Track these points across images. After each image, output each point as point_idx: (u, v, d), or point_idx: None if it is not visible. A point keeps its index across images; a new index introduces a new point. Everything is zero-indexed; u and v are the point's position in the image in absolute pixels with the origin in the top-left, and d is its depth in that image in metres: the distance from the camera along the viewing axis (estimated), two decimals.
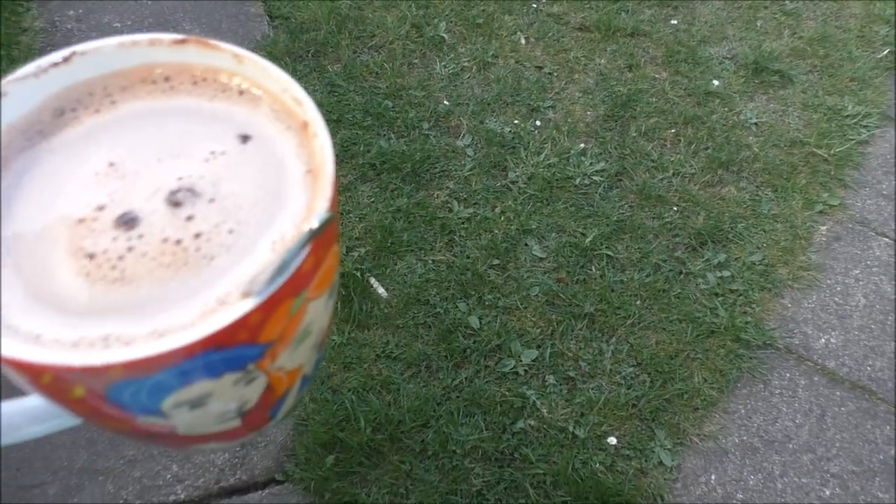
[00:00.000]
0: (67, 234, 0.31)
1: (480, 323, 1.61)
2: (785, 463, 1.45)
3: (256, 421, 0.35)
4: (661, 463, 1.43)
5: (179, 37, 0.36)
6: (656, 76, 2.25)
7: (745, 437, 1.48)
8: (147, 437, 0.33)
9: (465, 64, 2.23)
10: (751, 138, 2.06)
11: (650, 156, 1.99)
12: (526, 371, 1.55)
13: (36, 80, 0.35)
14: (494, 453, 1.43)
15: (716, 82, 2.22)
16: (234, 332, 0.27)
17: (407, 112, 2.06)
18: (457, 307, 1.63)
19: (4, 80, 0.34)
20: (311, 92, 2.08)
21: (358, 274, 1.66)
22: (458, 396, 1.50)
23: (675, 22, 2.44)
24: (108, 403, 0.28)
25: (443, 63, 2.22)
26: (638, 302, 1.67)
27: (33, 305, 0.29)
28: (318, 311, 0.32)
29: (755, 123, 2.10)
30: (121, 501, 1.36)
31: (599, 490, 1.37)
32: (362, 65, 2.19)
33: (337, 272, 0.34)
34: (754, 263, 1.75)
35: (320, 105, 2.00)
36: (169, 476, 1.39)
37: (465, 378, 1.53)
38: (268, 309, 0.28)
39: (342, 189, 1.85)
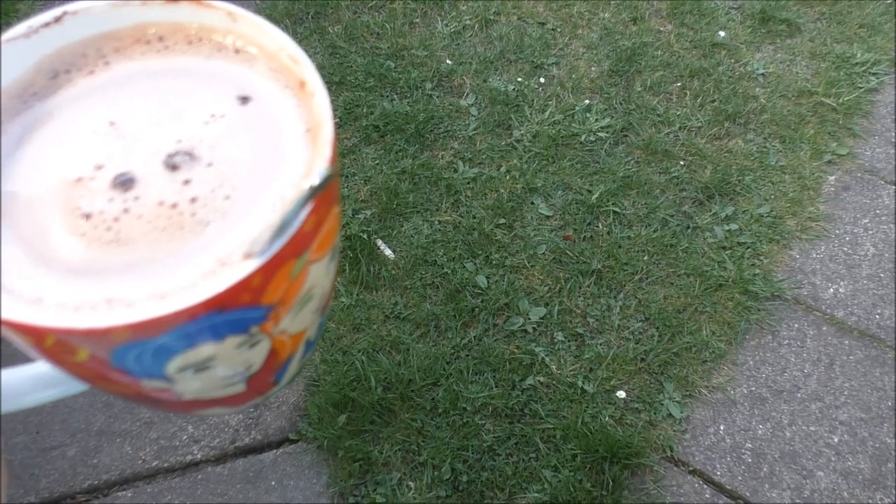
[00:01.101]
0: (65, 193, 0.31)
1: (488, 282, 1.61)
2: (793, 412, 1.46)
3: (261, 385, 0.35)
4: (669, 415, 1.44)
5: None
6: (661, 29, 2.22)
7: (753, 388, 1.49)
8: (152, 402, 0.33)
9: (467, 22, 2.21)
10: (758, 89, 2.04)
11: (656, 110, 1.97)
12: (534, 328, 1.55)
13: (27, 41, 0.34)
14: (504, 409, 1.45)
15: (722, 33, 2.19)
16: (236, 294, 0.27)
17: (409, 72, 2.04)
18: (464, 267, 1.63)
19: None
20: (313, 54, 2.07)
21: (365, 236, 1.66)
22: (467, 355, 1.51)
23: None
24: (112, 367, 0.28)
25: (444, 22, 2.20)
26: (645, 257, 1.66)
27: (32, 267, 0.29)
28: (319, 275, 0.32)
29: (762, 74, 2.08)
30: (139, 462, 1.38)
31: (609, 443, 1.38)
32: (363, 25, 2.17)
33: (338, 234, 0.34)
34: (762, 216, 1.74)
35: (322, 67, 1.99)
36: (185, 437, 1.42)
37: (474, 337, 1.54)
38: (269, 270, 0.28)
39: (346, 152, 1.85)
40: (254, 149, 0.32)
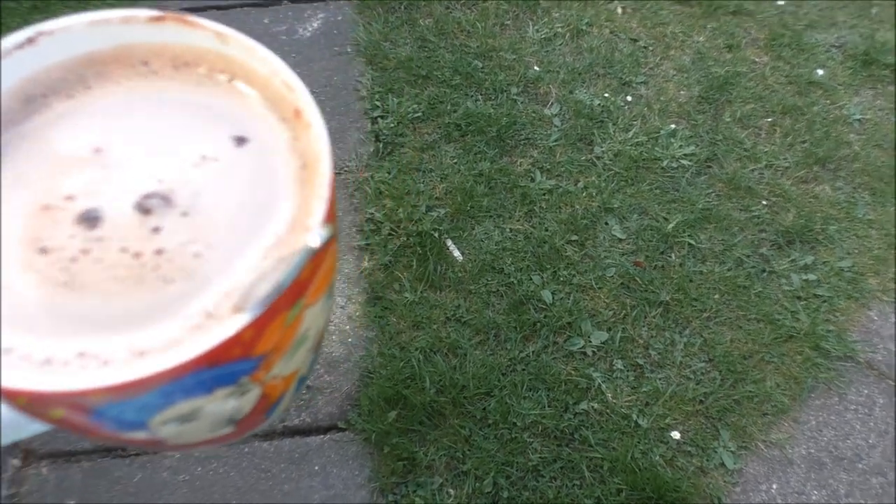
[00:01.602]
0: (29, 221, 0.28)
1: (553, 298, 1.59)
2: (852, 483, 1.41)
3: (250, 425, 0.33)
4: (722, 464, 1.41)
5: (156, 13, 0.32)
6: (756, 59, 2.16)
7: (812, 450, 1.45)
8: (134, 446, 0.31)
9: (559, 29, 2.17)
10: (852, 135, 1.97)
11: (743, 144, 1.92)
12: (594, 352, 1.53)
13: (7, 61, 0.31)
14: (554, 431, 1.43)
15: (820, 71, 2.12)
16: (226, 350, 0.25)
17: (496, 74, 2.02)
18: (531, 279, 1.61)
19: None
20: (402, 45, 2.06)
21: (436, 235, 1.65)
22: (523, 369, 1.50)
23: (783, 3, 2.32)
24: (91, 422, 0.27)
25: (536, 27, 2.17)
26: (716, 296, 1.62)
27: None
28: (315, 316, 0.30)
29: (858, 120, 2.00)
30: None
31: (657, 483, 1.36)
32: (454, 21, 2.15)
33: (335, 271, 0.31)
34: (843, 269, 1.69)
35: (409, 59, 1.98)
36: None
37: (533, 352, 1.52)
38: (262, 323, 0.26)
39: (426, 147, 1.83)
40: (242, 199, 0.29)
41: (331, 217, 0.28)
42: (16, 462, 1.36)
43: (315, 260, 0.27)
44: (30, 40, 0.32)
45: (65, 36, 0.32)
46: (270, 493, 1.35)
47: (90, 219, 0.28)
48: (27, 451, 1.37)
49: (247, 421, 0.32)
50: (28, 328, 0.26)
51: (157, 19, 0.32)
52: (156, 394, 0.25)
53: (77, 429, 0.28)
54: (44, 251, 0.28)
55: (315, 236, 0.26)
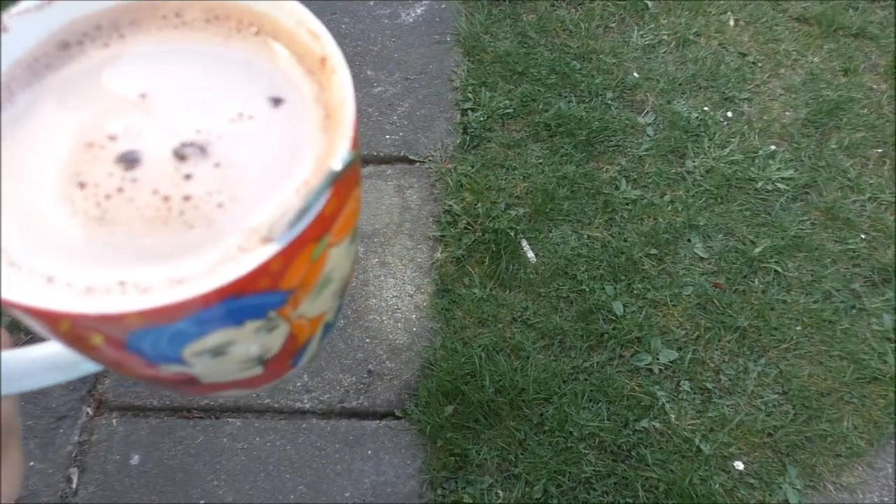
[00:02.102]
0: (71, 156, 0.29)
1: (624, 310, 1.55)
2: None
3: (278, 369, 0.34)
4: (786, 501, 1.35)
5: None
6: (874, 86, 2.04)
7: (886, 499, 1.36)
8: (167, 384, 0.32)
9: (664, 37, 2.11)
10: None
11: (847, 173, 1.82)
12: (661, 371, 1.49)
13: (39, 14, 0.33)
14: (611, 445, 1.40)
15: None
16: (255, 279, 0.26)
17: (593, 77, 1.98)
18: (603, 289, 1.58)
19: (6, 15, 0.32)
20: (502, 39, 2.05)
21: (511, 233, 1.64)
22: (585, 379, 1.47)
23: None
24: (127, 351, 0.28)
25: (640, 32, 2.12)
26: (798, 327, 1.55)
27: (31, 235, 0.28)
28: (339, 258, 0.31)
29: None
30: (253, 396, 1.44)
31: None
32: (557, 20, 2.13)
33: (358, 217, 0.32)
34: None
35: (508, 54, 1.97)
36: (300, 384, 1.46)
37: (597, 363, 1.49)
38: (289, 255, 0.27)
39: (513, 144, 1.82)
40: (271, 155, 0.30)
41: (355, 156, 0.29)
42: (89, 410, 1.44)
43: (336, 194, 0.28)
44: None
45: None
46: (323, 472, 1.37)
47: (129, 160, 0.29)
48: (100, 401, 1.45)
49: (275, 362, 0.33)
50: (67, 258, 0.27)
51: None
52: (189, 321, 0.26)
53: (114, 361, 0.30)
54: (82, 185, 0.29)
55: (338, 160, 0.27)
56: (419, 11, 2.16)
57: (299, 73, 0.32)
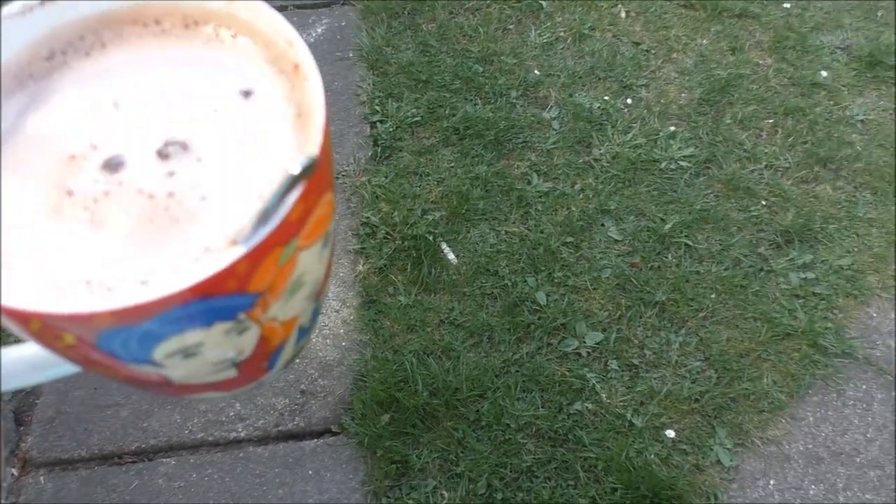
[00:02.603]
0: (57, 169, 0.31)
1: (547, 299, 1.59)
2: (850, 476, 1.39)
3: (253, 371, 0.35)
4: (718, 461, 1.40)
5: None
6: (760, 62, 2.15)
7: (810, 446, 1.43)
8: (142, 385, 0.33)
9: (561, 34, 2.18)
10: (854, 136, 1.95)
11: (743, 145, 1.91)
12: (588, 353, 1.53)
13: (22, 20, 0.34)
14: (548, 432, 1.43)
15: (824, 73, 2.10)
16: (221, 281, 0.27)
17: (496, 78, 2.03)
18: (525, 281, 1.62)
19: None
20: (404, 50, 2.08)
21: (430, 237, 1.66)
22: (517, 371, 1.50)
23: (789, 6, 2.31)
24: (99, 351, 0.28)
25: (538, 31, 2.18)
26: (713, 295, 1.61)
27: (11, 239, 0.29)
28: (310, 261, 0.32)
29: (861, 120, 1.99)
30: (186, 431, 1.42)
31: (652, 481, 1.35)
32: (457, 26, 2.17)
33: (331, 222, 0.33)
34: (842, 267, 1.67)
35: (411, 64, 2.00)
36: (232, 413, 1.45)
37: (527, 353, 1.52)
38: (255, 258, 0.27)
39: (424, 151, 1.85)
40: (248, 146, 0.31)
41: (323, 162, 0.30)
42: (14, 471, 1.39)
43: (303, 199, 0.28)
44: None
45: None
46: (265, 498, 1.36)
47: (114, 164, 0.31)
48: (25, 460, 1.40)
49: (249, 365, 0.34)
50: (44, 258, 0.28)
51: None
52: (157, 321, 0.27)
53: (88, 361, 0.30)
54: (69, 193, 0.30)
55: (296, 164, 0.28)
56: (320, 31, 2.17)
57: (272, 72, 0.33)
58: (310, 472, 1.39)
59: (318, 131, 0.30)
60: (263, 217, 0.27)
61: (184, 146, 0.31)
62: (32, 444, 1.41)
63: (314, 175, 0.29)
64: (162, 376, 0.31)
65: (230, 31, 0.35)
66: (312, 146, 0.29)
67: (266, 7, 0.34)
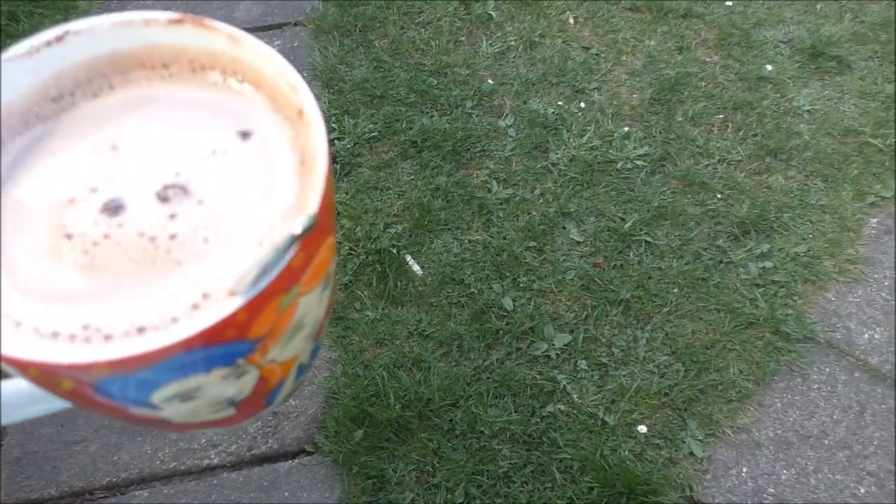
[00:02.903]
0: (56, 212, 0.31)
1: (514, 305, 1.60)
2: (820, 459, 1.42)
3: (251, 408, 0.35)
4: (691, 453, 1.41)
5: (175, 16, 0.35)
6: (707, 59, 2.20)
7: (779, 431, 1.45)
8: (141, 423, 0.33)
9: (512, 43, 2.21)
10: (802, 126, 2.00)
11: (696, 141, 1.95)
12: (558, 355, 1.54)
13: (29, 61, 0.34)
14: (522, 436, 1.43)
15: (769, 67, 2.16)
16: (220, 331, 0.27)
17: (451, 90, 2.05)
18: (491, 288, 1.63)
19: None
20: (358, 67, 2.09)
21: (394, 251, 1.67)
22: (488, 377, 1.51)
23: (731, 3, 2.36)
24: (97, 395, 0.28)
25: (489, 41, 2.20)
26: (675, 290, 1.64)
27: (11, 287, 0.29)
28: (310, 305, 0.32)
29: (808, 110, 2.04)
30: (157, 462, 1.40)
31: (627, 478, 1.36)
32: (409, 41, 2.19)
33: (332, 264, 0.33)
34: (799, 255, 1.71)
35: (365, 81, 2.01)
36: (204, 441, 1.43)
37: (497, 359, 1.53)
38: (255, 307, 0.27)
39: (383, 165, 1.86)
40: (249, 187, 0.31)
41: (325, 209, 0.30)
42: None
43: (304, 248, 0.28)
44: (58, 38, 0.34)
45: (90, 36, 0.34)
46: None
47: (114, 207, 0.31)
48: None
49: (248, 403, 0.34)
50: (41, 303, 0.28)
51: (176, 22, 0.35)
52: (155, 369, 0.27)
53: (88, 403, 0.30)
54: (69, 237, 0.30)
55: (297, 224, 0.28)
56: None
57: (277, 118, 0.33)
58: (286, 494, 1.37)
59: (321, 178, 0.30)
60: (263, 272, 0.27)
61: (184, 189, 0.31)
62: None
63: (315, 227, 0.29)
64: (160, 417, 0.31)
65: (236, 77, 0.35)
66: (315, 193, 0.29)
67: (270, 51, 0.34)
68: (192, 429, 0.36)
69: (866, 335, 1.59)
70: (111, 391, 0.28)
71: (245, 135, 0.33)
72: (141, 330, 0.27)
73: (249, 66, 0.35)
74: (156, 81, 0.35)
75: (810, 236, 1.75)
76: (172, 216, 0.30)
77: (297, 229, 0.28)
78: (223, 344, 0.28)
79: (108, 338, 0.27)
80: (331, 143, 1.92)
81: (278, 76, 0.34)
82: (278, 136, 0.33)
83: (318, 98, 2.01)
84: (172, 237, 0.30)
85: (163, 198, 0.31)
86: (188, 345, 0.26)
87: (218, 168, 0.32)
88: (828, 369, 1.53)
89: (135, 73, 0.35)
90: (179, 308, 0.28)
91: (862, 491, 1.39)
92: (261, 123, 0.34)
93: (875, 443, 1.44)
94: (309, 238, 0.29)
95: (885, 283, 1.68)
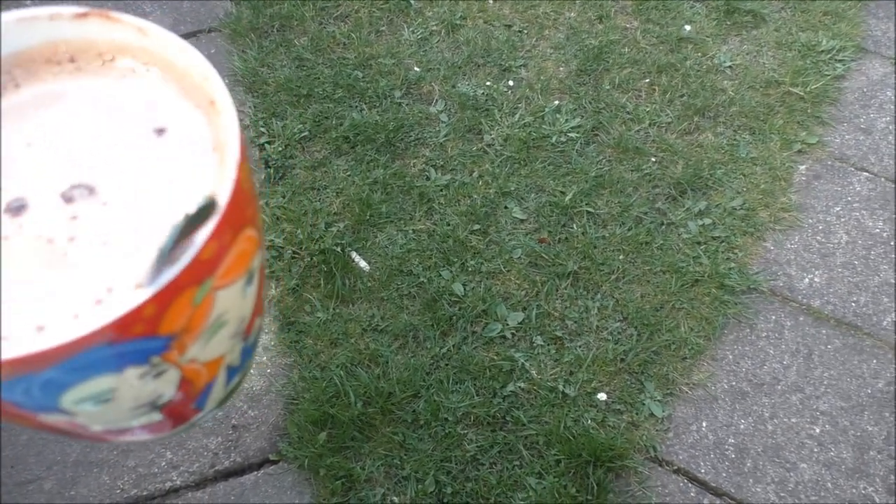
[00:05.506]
0: None
1: (465, 289, 1.60)
2: (774, 405, 1.46)
3: (181, 413, 0.34)
4: (651, 415, 1.44)
5: (80, 10, 0.34)
6: (627, 25, 2.22)
7: (733, 383, 1.49)
8: (58, 432, 0.32)
9: (434, 28, 2.19)
10: (726, 82, 2.04)
11: (625, 108, 1.97)
12: (513, 334, 1.55)
13: None
14: (486, 418, 1.44)
15: (687, 27, 2.19)
16: (126, 325, 0.26)
17: (377, 81, 2.03)
18: (440, 275, 1.62)
19: None
20: (280, 68, 2.05)
21: (339, 249, 1.65)
22: (446, 364, 1.50)
23: None
24: (3, 401, 0.27)
25: (411, 28, 2.19)
26: (621, 256, 1.66)
27: None
28: (232, 300, 0.31)
29: (729, 66, 2.08)
30: (118, 491, 1.36)
31: (592, 446, 1.38)
32: (329, 36, 2.15)
33: (256, 258, 0.32)
34: (735, 209, 1.75)
35: (289, 81, 1.97)
36: (164, 463, 1.40)
37: (453, 345, 1.53)
38: (163, 299, 0.26)
39: (317, 164, 1.83)
40: (161, 185, 0.30)
41: (239, 197, 0.29)
42: None
43: (216, 237, 0.27)
44: None
45: None
46: None
47: (16, 208, 0.30)
48: None
49: (174, 408, 0.32)
50: None
51: (82, 16, 0.33)
52: (58, 369, 0.26)
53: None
54: None
55: (192, 205, 0.27)
56: None
57: (189, 106, 0.33)
58: None
59: (233, 167, 0.29)
60: (161, 258, 0.26)
61: (90, 189, 0.30)
62: None
63: (226, 213, 0.28)
64: (75, 423, 0.30)
65: (146, 66, 0.34)
66: (229, 181, 0.29)
67: (180, 41, 0.34)
68: (118, 437, 0.34)
69: (806, 280, 1.64)
70: (15, 396, 0.27)
71: (160, 131, 0.33)
72: (41, 329, 0.26)
73: (159, 56, 0.34)
74: (62, 76, 0.34)
75: (744, 189, 1.79)
76: (74, 217, 0.30)
77: (192, 209, 0.27)
78: (132, 340, 0.27)
79: (5, 339, 0.26)
80: (261, 147, 1.88)
81: (189, 66, 0.34)
82: (192, 129, 0.33)
83: (242, 103, 1.97)
84: (71, 239, 0.29)
85: (67, 198, 0.30)
86: (92, 339, 0.25)
87: (129, 167, 0.31)
88: (773, 317, 1.58)
89: (41, 69, 0.34)
90: (82, 304, 0.27)
91: (817, 431, 1.43)
92: (174, 116, 0.33)
93: (825, 383, 1.49)
94: (220, 227, 0.28)
95: (819, 227, 1.73)
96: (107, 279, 0.27)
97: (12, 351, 0.24)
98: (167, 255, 0.26)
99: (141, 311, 0.26)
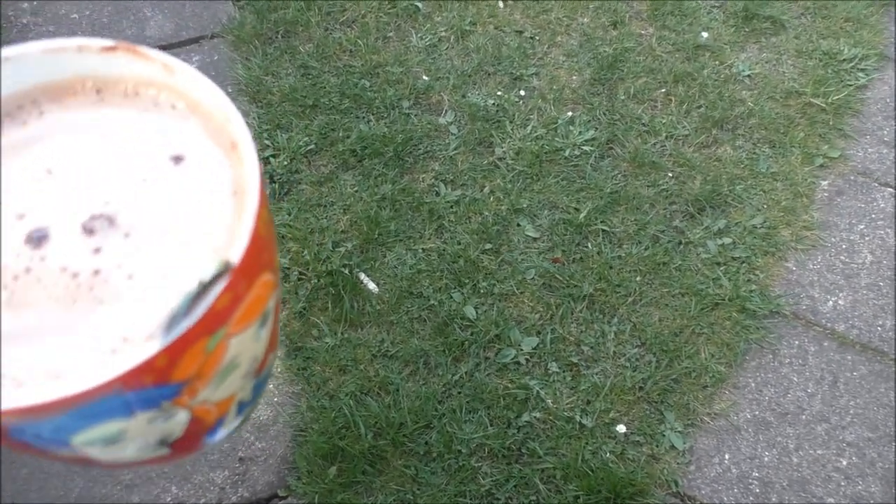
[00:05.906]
0: None
1: (477, 313, 1.55)
2: (799, 435, 1.41)
3: (189, 446, 0.33)
4: (672, 447, 1.39)
5: (108, 43, 0.33)
6: (642, 32, 2.16)
7: (756, 412, 1.44)
8: (68, 462, 0.31)
9: (443, 34, 2.14)
10: (744, 92, 1.98)
11: (641, 119, 1.92)
12: (527, 360, 1.50)
13: None
14: (501, 450, 1.39)
15: (705, 34, 2.13)
16: (136, 377, 0.25)
17: (385, 91, 1.97)
18: (451, 298, 1.57)
19: None
20: (285, 77, 2.00)
21: (346, 271, 1.60)
22: (459, 392, 1.46)
23: None
24: (12, 439, 0.27)
25: (419, 34, 2.13)
26: (638, 278, 1.61)
27: None
28: (245, 344, 0.30)
29: (748, 76, 2.02)
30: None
31: (611, 481, 1.33)
32: (335, 43, 2.10)
33: (271, 300, 0.31)
34: (755, 227, 1.69)
35: (294, 90, 1.92)
36: (169, 498, 1.35)
37: (466, 372, 1.48)
38: (175, 351, 0.26)
39: (324, 179, 1.78)
40: (180, 217, 0.30)
41: (257, 247, 0.28)
42: None
43: (230, 289, 0.27)
44: None
45: (21, 63, 0.33)
46: None
47: (39, 238, 0.29)
48: None
49: (182, 443, 0.32)
50: None
51: (110, 49, 0.33)
52: (70, 416, 0.25)
53: (8, 444, 0.29)
54: None
55: (207, 271, 0.27)
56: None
57: (210, 144, 0.32)
58: None
59: (252, 216, 0.28)
60: (173, 320, 0.26)
61: (111, 220, 0.29)
62: None
63: (241, 265, 0.27)
64: (85, 457, 0.30)
65: (170, 102, 0.34)
66: (246, 230, 0.28)
67: (206, 80, 0.33)
68: (125, 468, 0.34)
69: (830, 302, 1.58)
70: (25, 437, 0.27)
71: (178, 159, 0.32)
72: (56, 376, 0.26)
73: (183, 92, 0.34)
74: (87, 107, 0.34)
75: (765, 206, 1.73)
76: (97, 250, 0.29)
77: (206, 276, 0.27)
78: (143, 389, 0.26)
79: (19, 384, 0.25)
80: (265, 160, 1.83)
81: (213, 106, 0.33)
82: (212, 162, 0.32)
83: (246, 114, 1.92)
84: (96, 273, 0.28)
85: (88, 229, 0.29)
86: (103, 390, 0.25)
87: (149, 197, 0.31)
88: (797, 342, 1.53)
89: (66, 99, 0.34)
90: (99, 352, 0.26)
91: (844, 463, 1.38)
92: (194, 147, 0.32)
93: (851, 412, 1.44)
94: (236, 279, 0.27)
95: (843, 247, 1.68)
96: (128, 323, 0.27)
97: (28, 399, 0.24)
98: (179, 320, 0.26)
99: (153, 362, 0.26)
